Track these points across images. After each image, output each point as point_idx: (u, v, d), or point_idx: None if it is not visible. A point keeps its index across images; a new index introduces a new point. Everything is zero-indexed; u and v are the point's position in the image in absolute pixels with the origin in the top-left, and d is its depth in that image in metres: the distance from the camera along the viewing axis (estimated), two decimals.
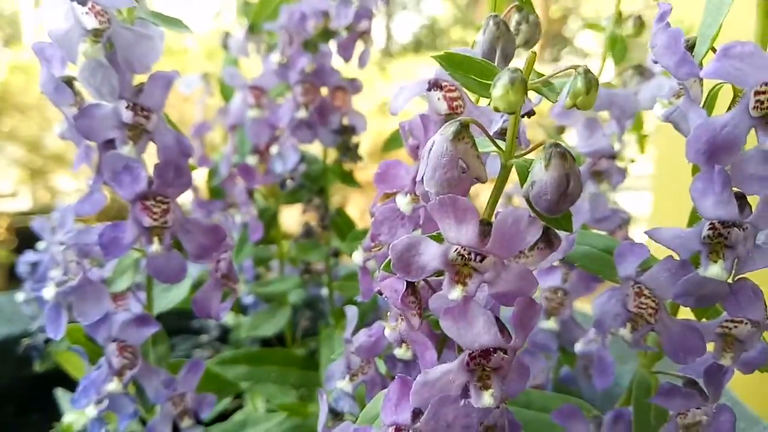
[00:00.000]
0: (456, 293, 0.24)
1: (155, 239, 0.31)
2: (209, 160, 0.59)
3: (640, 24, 0.41)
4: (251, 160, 0.53)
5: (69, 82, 0.31)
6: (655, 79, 0.40)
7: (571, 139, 0.46)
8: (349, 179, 0.53)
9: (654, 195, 0.84)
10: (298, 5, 0.47)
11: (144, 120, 0.31)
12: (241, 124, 0.54)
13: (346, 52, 0.47)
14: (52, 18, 0.30)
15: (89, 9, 0.29)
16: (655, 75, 0.41)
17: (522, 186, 0.24)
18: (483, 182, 0.25)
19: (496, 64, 0.28)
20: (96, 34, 0.29)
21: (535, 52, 0.24)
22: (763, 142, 0.24)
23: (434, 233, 0.25)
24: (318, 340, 0.55)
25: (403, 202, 0.29)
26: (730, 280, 0.26)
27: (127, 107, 0.30)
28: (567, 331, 0.41)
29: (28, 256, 0.49)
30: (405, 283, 0.25)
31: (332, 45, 0.49)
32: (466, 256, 0.23)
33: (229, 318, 0.61)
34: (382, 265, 0.26)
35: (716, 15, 0.25)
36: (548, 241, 0.25)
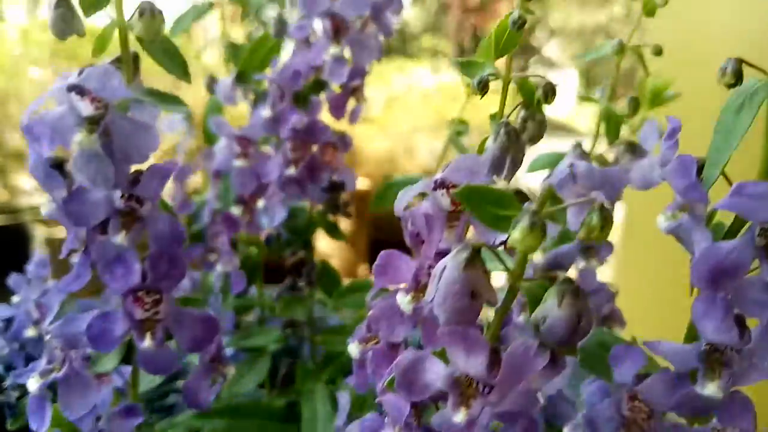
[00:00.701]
0: (460, 416, 0.23)
1: (147, 334, 0.30)
2: (190, 204, 0.58)
3: (635, 105, 0.41)
4: (236, 210, 0.52)
5: (60, 164, 0.30)
6: (647, 159, 0.40)
7: None
8: (336, 233, 0.52)
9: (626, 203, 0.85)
10: (291, 61, 0.46)
11: (138, 206, 0.30)
12: (226, 172, 0.53)
13: (337, 111, 0.46)
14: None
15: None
16: (646, 154, 0.41)
17: (530, 310, 0.24)
18: (495, 305, 0.24)
19: (505, 171, 0.28)
20: (92, 122, 0.28)
21: None
22: (765, 270, 0.24)
23: (439, 349, 0.25)
24: (298, 391, 0.54)
25: (404, 301, 0.29)
26: None
27: (121, 197, 0.29)
28: (554, 406, 0.41)
29: (3, 311, 0.47)
30: (409, 404, 0.25)
31: (323, 97, 0.49)
32: (473, 382, 0.23)
33: None
34: (385, 381, 0.26)
35: (727, 140, 0.25)
36: (554, 363, 0.25)
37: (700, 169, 0.26)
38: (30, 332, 0.45)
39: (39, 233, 2.91)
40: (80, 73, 0.26)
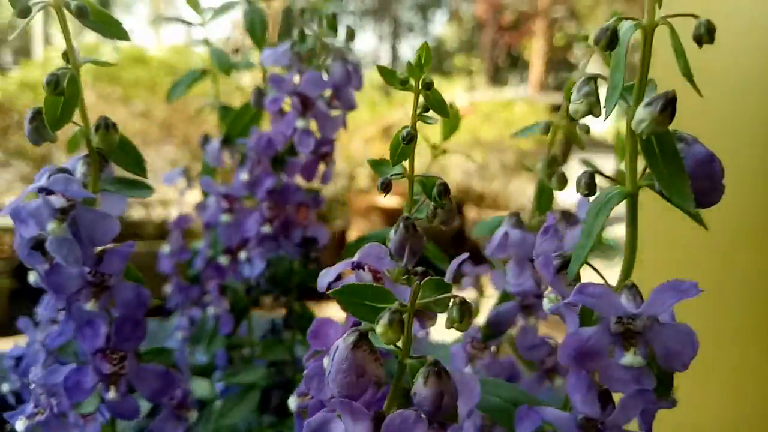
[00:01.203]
0: None
1: (112, 387, 0.35)
2: (187, 251, 0.63)
3: (563, 180, 0.45)
4: (223, 259, 0.57)
5: (40, 244, 0.35)
6: (579, 227, 0.44)
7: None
8: (315, 281, 0.57)
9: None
10: (266, 131, 0.51)
11: (105, 278, 0.35)
12: (215, 225, 0.58)
13: (308, 175, 0.51)
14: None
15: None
16: (579, 223, 0.44)
17: (412, 385, 0.28)
18: (381, 385, 0.29)
19: (405, 258, 0.32)
20: (62, 213, 0.33)
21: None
22: (619, 355, 0.27)
23: None
24: (287, 425, 0.59)
25: (328, 364, 0.33)
26: None
27: (89, 273, 0.35)
28: None
29: (15, 351, 0.53)
30: None
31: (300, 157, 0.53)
32: None
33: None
34: None
35: (588, 240, 0.29)
36: (442, 427, 0.29)
37: (566, 264, 0.30)
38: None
39: None
40: (48, 177, 0.32)
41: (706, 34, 0.24)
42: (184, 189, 0.64)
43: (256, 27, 0.50)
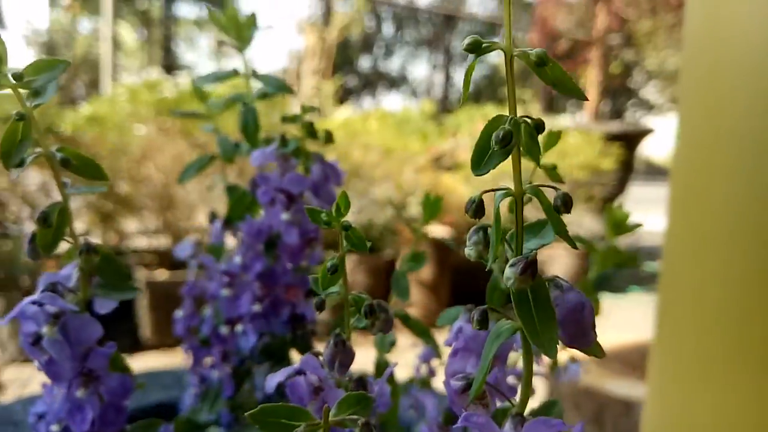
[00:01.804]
0: None
1: None
2: (198, 317, 0.69)
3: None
4: (224, 329, 0.63)
5: (38, 339, 0.41)
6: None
7: None
8: (306, 351, 0.62)
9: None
10: (257, 221, 0.57)
11: (94, 370, 0.41)
12: (217, 298, 0.63)
13: (294, 259, 0.56)
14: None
15: None
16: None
17: None
18: None
19: (336, 370, 0.36)
20: (55, 317, 0.39)
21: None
22: None
23: None
24: None
25: None
26: None
27: (78, 369, 0.41)
28: None
29: (39, 407, 0.60)
30: None
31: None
32: None
33: None
34: None
35: (485, 364, 0.32)
36: None
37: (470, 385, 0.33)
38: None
39: (141, 275, 3.18)
40: (41, 291, 0.38)
41: (562, 206, 0.28)
42: (193, 258, 0.71)
43: (249, 127, 0.56)
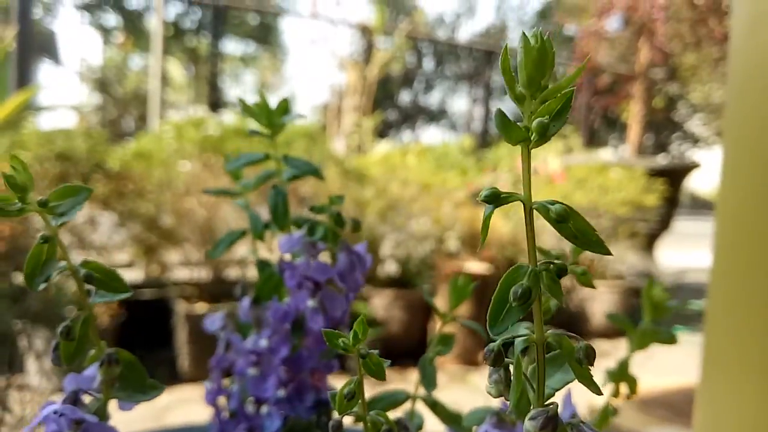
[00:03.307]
0: None
1: None
2: (225, 390, 0.69)
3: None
4: (250, 407, 0.63)
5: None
6: None
7: None
8: None
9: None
10: (284, 305, 0.57)
11: None
12: (244, 375, 0.63)
13: (320, 345, 0.56)
14: None
15: None
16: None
17: None
18: None
19: None
20: (77, 423, 0.39)
21: None
22: None
23: None
24: None
25: None
26: None
27: None
28: None
29: None
30: None
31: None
32: None
33: None
34: None
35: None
36: None
37: None
38: None
39: (181, 308, 3.22)
40: (63, 401, 0.38)
41: (585, 359, 0.26)
42: (222, 331, 0.71)
43: (279, 210, 0.56)
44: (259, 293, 0.61)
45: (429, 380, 0.56)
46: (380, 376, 0.33)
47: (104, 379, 0.40)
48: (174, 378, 2.81)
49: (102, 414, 0.40)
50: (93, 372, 0.42)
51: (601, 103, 5.40)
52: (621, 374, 0.64)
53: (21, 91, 3.08)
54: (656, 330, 0.63)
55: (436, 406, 0.57)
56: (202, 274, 3.25)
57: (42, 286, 0.34)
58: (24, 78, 3.41)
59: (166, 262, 3.48)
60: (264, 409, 0.60)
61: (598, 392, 0.28)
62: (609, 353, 3.48)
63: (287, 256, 0.55)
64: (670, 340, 0.65)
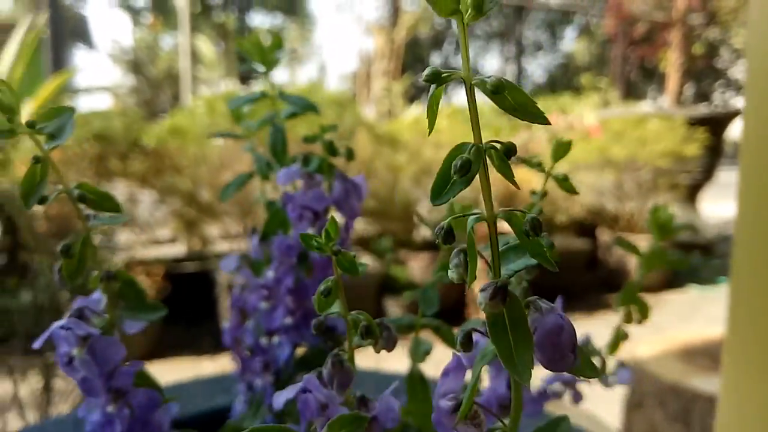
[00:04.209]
0: None
1: None
2: (241, 327, 0.72)
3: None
4: (264, 340, 0.65)
5: (71, 360, 0.44)
6: None
7: None
8: None
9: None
10: (287, 237, 0.58)
11: (122, 387, 0.44)
12: (257, 310, 0.66)
13: (323, 273, 0.58)
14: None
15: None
16: None
17: None
18: None
19: (335, 388, 0.37)
20: (84, 339, 0.42)
21: None
22: None
23: None
24: None
25: None
26: None
27: (107, 386, 0.43)
28: None
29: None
30: None
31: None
32: None
33: None
34: None
35: (472, 386, 0.32)
36: None
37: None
38: None
39: (222, 280, 3.30)
40: (69, 316, 0.40)
41: (531, 231, 0.27)
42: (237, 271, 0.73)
43: (278, 146, 0.58)
44: (266, 229, 0.63)
45: (428, 303, 0.58)
46: (353, 272, 0.35)
47: (108, 298, 0.43)
48: (217, 348, 2.89)
49: (108, 331, 0.43)
50: (99, 295, 0.45)
51: (638, 54, 5.23)
52: (630, 297, 0.64)
53: (57, 75, 3.17)
54: (664, 252, 0.63)
55: (439, 330, 0.59)
56: (242, 245, 3.32)
57: (37, 205, 0.36)
58: (59, 62, 3.50)
59: (207, 235, 3.56)
60: (275, 339, 0.63)
61: (553, 267, 0.29)
62: (652, 307, 3.43)
63: (290, 188, 0.57)
64: (680, 263, 0.64)
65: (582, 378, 0.52)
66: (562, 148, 0.43)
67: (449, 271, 0.31)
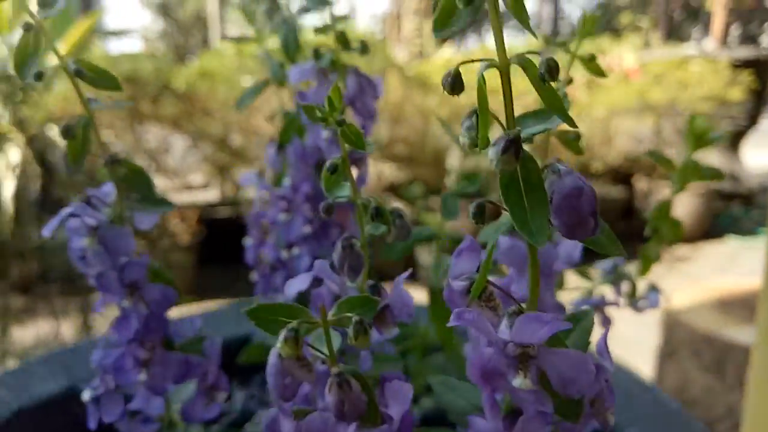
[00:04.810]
0: None
1: (143, 370, 0.43)
2: (263, 242, 0.71)
3: None
4: (284, 254, 0.64)
5: (84, 254, 0.44)
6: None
7: None
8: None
9: None
10: (303, 142, 0.57)
11: (136, 281, 0.43)
12: (276, 223, 0.65)
13: None
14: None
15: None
16: None
17: None
18: (311, 382, 0.33)
19: (345, 273, 0.36)
20: (93, 230, 0.41)
21: None
22: (512, 376, 0.29)
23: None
24: None
25: None
26: None
27: (121, 280, 0.43)
28: None
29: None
30: None
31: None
32: None
33: None
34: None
35: (486, 265, 0.30)
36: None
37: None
38: None
39: None
40: (78, 201, 0.40)
41: (547, 73, 0.25)
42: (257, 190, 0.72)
43: (290, 44, 0.55)
44: (282, 136, 0.61)
45: (450, 211, 0.56)
46: (359, 146, 0.33)
47: (116, 186, 0.42)
48: (251, 291, 2.94)
49: (118, 221, 0.42)
50: (109, 187, 0.44)
51: None
52: (662, 216, 0.61)
53: (86, 16, 3.16)
54: (697, 165, 0.59)
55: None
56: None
57: (33, 78, 0.35)
58: (88, 4, 3.49)
59: (240, 181, 3.56)
60: (295, 251, 0.62)
61: (573, 125, 0.27)
62: (689, 258, 3.37)
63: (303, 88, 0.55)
64: (715, 175, 0.61)
65: (609, 301, 0.49)
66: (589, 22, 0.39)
67: (461, 136, 0.29)
